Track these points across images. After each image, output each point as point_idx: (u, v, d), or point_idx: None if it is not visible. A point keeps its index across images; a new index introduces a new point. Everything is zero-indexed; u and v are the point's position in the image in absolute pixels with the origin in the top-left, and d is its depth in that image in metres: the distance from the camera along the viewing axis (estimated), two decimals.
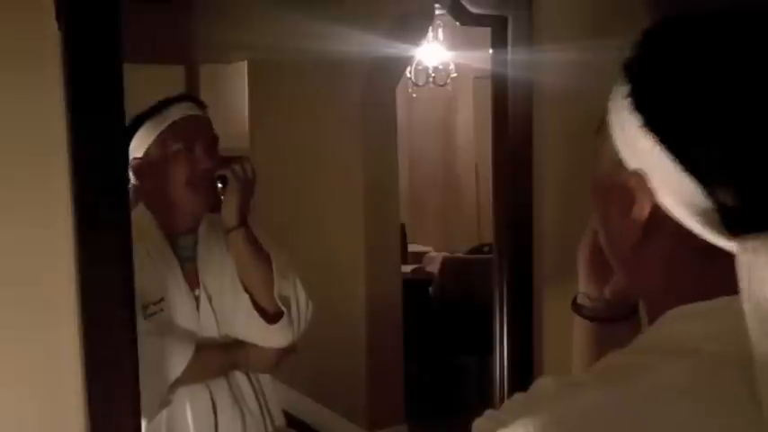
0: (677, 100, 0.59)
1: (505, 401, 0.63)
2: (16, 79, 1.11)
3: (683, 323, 0.61)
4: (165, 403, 1.46)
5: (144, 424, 1.39)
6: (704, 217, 0.58)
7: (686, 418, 0.55)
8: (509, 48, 1.47)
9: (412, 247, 5.42)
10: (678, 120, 0.58)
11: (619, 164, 0.63)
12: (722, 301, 0.59)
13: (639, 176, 0.60)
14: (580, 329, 0.90)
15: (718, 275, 0.59)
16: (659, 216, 0.60)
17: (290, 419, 1.75)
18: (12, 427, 1.14)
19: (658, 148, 0.59)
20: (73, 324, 1.12)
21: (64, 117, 1.10)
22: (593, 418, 0.55)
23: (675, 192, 0.59)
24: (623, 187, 0.62)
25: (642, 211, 0.61)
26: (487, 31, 1.52)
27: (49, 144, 1.11)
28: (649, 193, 0.60)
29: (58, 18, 1.10)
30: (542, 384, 0.63)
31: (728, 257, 0.57)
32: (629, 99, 0.61)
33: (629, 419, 0.55)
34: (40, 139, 1.12)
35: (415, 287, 4.18)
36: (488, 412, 0.64)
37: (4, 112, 1.10)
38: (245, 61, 4.44)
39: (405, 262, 4.49)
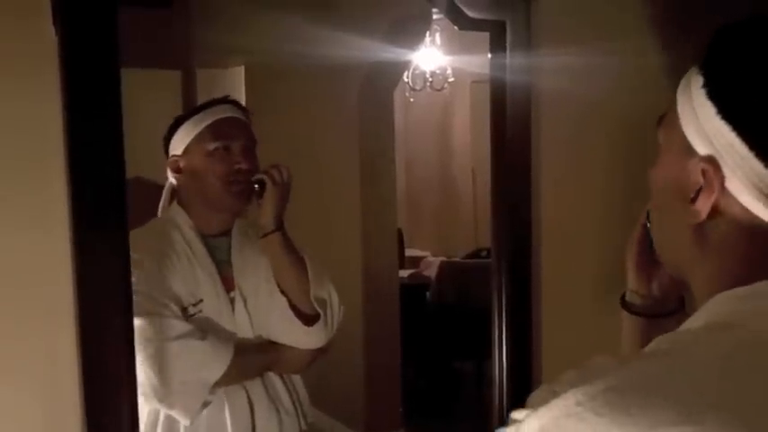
0: (754, 89, 0.62)
1: (560, 376, 0.64)
2: (13, 84, 1.10)
3: (730, 304, 0.63)
4: (205, 403, 1.49)
5: (187, 423, 1.41)
6: None
7: (731, 388, 0.56)
8: (507, 52, 1.47)
9: (409, 252, 5.40)
10: (754, 107, 0.61)
11: (686, 151, 0.66)
12: (765, 284, 0.62)
13: (711, 161, 0.64)
14: (629, 327, 0.93)
15: None
16: (725, 200, 0.64)
17: None
18: (11, 430, 1.13)
19: (733, 134, 0.62)
20: (70, 326, 1.12)
21: (61, 121, 1.10)
22: (640, 386, 0.57)
23: (747, 176, 0.62)
24: (692, 171, 0.66)
25: (711, 193, 0.64)
26: (485, 35, 1.52)
27: (47, 148, 1.11)
28: (719, 176, 0.63)
29: (54, 23, 1.10)
30: (596, 361, 0.65)
31: None
32: (706, 89, 0.64)
33: (673, 388, 0.56)
34: (38, 143, 1.11)
35: (412, 292, 4.18)
36: (543, 386, 0.66)
37: (2, 117, 1.09)
38: (242, 66, 4.43)
39: (402, 267, 4.48)
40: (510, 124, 1.49)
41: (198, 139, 1.58)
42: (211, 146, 1.57)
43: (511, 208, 1.52)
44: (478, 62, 1.70)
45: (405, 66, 4.36)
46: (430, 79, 5.12)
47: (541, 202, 1.54)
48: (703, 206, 0.65)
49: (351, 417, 3.81)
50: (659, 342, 0.64)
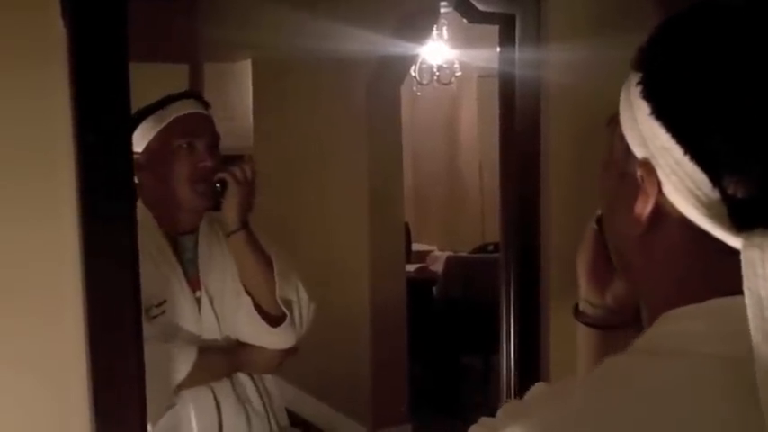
0: (689, 88, 0.57)
1: (500, 408, 0.62)
2: (22, 77, 1.10)
3: (676, 325, 0.59)
4: (169, 406, 1.45)
5: (149, 427, 1.38)
6: (710, 209, 0.56)
7: (674, 420, 0.53)
8: (516, 45, 1.46)
9: (416, 247, 5.41)
10: (690, 107, 0.57)
11: (627, 154, 0.61)
12: (716, 302, 0.58)
13: (647, 165, 0.59)
14: (584, 337, 0.87)
15: (721, 273, 0.58)
16: (666, 207, 0.59)
17: (294, 418, 1.75)
18: (17, 427, 1.13)
19: (667, 135, 0.57)
20: (78, 318, 1.12)
21: (69, 115, 1.10)
22: (579, 421, 0.54)
23: (682, 181, 0.57)
24: (631, 177, 0.61)
25: (647, 200, 0.59)
26: (491, 30, 1.51)
27: (55, 142, 1.11)
28: (656, 182, 0.58)
29: (63, 16, 1.09)
30: (536, 390, 0.62)
31: (733, 253, 0.55)
32: (641, 86, 0.60)
33: (616, 422, 0.53)
34: (46, 136, 1.11)
35: (419, 286, 4.18)
36: (482, 419, 0.63)
37: (11, 110, 1.09)
38: (250, 60, 4.43)
39: (409, 261, 4.48)
40: (519, 118, 1.48)
41: (161, 136, 1.49)
42: (175, 143, 1.48)
43: (519, 202, 1.51)
44: (486, 56, 1.69)
45: (412, 60, 4.35)
46: (437, 73, 5.11)
47: (550, 195, 1.53)
48: (641, 214, 0.60)
49: (357, 411, 3.83)
50: (606, 368, 0.60)
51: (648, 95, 0.59)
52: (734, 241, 0.56)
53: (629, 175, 0.61)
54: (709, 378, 0.55)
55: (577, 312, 0.87)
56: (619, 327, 0.84)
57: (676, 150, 0.57)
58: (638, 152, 0.60)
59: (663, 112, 0.58)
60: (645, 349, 0.61)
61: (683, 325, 0.59)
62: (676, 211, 0.58)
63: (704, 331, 0.57)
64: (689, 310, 0.59)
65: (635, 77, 0.61)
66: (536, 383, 0.62)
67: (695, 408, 0.54)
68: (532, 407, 0.58)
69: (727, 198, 0.55)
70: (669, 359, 0.56)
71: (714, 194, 0.56)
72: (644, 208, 0.60)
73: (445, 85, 5.25)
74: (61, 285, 1.13)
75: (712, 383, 0.55)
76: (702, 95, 0.56)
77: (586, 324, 0.86)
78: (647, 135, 0.59)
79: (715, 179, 0.55)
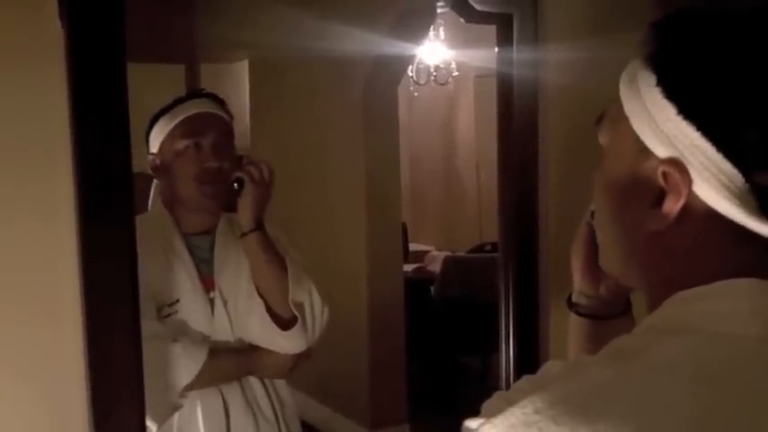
0: (715, 85, 0.58)
1: (514, 383, 0.63)
2: (19, 76, 1.10)
3: (685, 305, 0.61)
4: (175, 407, 1.44)
5: (155, 428, 1.37)
6: (742, 200, 0.58)
7: (687, 394, 0.55)
8: (514, 45, 1.46)
9: (413, 247, 5.42)
10: (717, 104, 0.58)
11: (640, 153, 0.62)
12: (723, 283, 0.60)
13: (674, 163, 0.59)
14: (576, 328, 0.89)
15: (736, 258, 0.60)
16: (692, 202, 0.60)
17: None
18: (15, 427, 1.13)
19: (697, 134, 0.58)
20: (76, 320, 1.11)
21: (67, 114, 1.09)
22: (598, 393, 0.55)
23: (715, 176, 0.58)
24: (651, 175, 0.61)
25: (679, 198, 0.60)
26: (488, 30, 1.51)
27: (53, 141, 1.10)
28: (687, 179, 0.59)
29: (60, 16, 1.09)
30: (550, 366, 0.64)
31: (758, 243, 0.57)
32: (660, 87, 0.60)
33: (632, 395, 0.55)
34: (44, 136, 1.11)
35: (416, 286, 4.18)
36: (497, 393, 0.64)
37: (8, 110, 1.09)
38: (246, 60, 4.43)
39: (406, 261, 4.48)
40: (517, 118, 1.48)
41: (169, 137, 1.50)
42: (181, 144, 1.49)
43: (518, 201, 1.51)
44: (483, 56, 1.69)
45: (409, 60, 4.35)
46: (434, 74, 5.11)
47: (548, 195, 1.53)
48: (671, 210, 0.60)
49: (356, 411, 3.83)
50: (616, 345, 0.61)
51: (672, 96, 0.59)
52: (766, 230, 0.58)
53: (645, 173, 0.62)
54: (726, 354, 0.56)
55: (571, 303, 0.90)
56: (610, 317, 0.87)
57: (707, 147, 0.58)
58: (662, 151, 0.60)
59: (691, 112, 0.58)
60: (653, 328, 0.62)
61: (692, 305, 0.61)
62: (703, 204, 0.59)
63: (715, 310, 0.59)
64: (696, 291, 0.61)
65: (649, 78, 0.61)
66: (549, 361, 0.63)
67: (706, 381, 0.55)
68: (550, 380, 0.59)
69: (757, 190, 0.57)
70: (682, 335, 0.58)
71: (746, 187, 0.57)
72: (674, 205, 0.60)
73: (442, 85, 5.25)
74: (59, 287, 1.12)
75: (729, 359, 0.56)
76: (730, 92, 0.57)
77: (579, 314, 0.89)
78: (672, 134, 0.59)
79: (747, 173, 0.57)
